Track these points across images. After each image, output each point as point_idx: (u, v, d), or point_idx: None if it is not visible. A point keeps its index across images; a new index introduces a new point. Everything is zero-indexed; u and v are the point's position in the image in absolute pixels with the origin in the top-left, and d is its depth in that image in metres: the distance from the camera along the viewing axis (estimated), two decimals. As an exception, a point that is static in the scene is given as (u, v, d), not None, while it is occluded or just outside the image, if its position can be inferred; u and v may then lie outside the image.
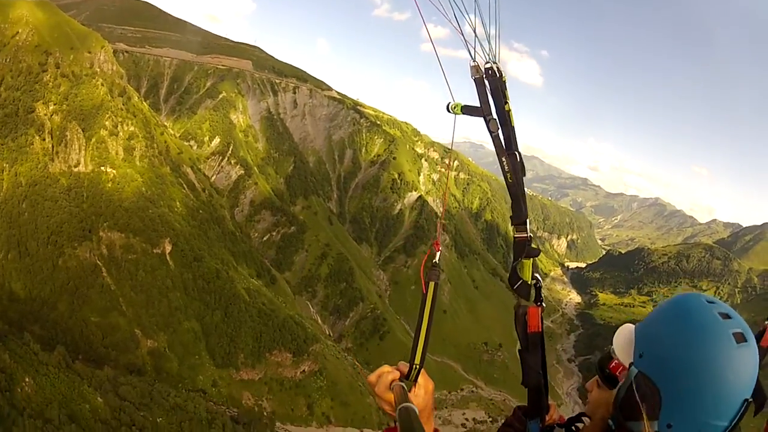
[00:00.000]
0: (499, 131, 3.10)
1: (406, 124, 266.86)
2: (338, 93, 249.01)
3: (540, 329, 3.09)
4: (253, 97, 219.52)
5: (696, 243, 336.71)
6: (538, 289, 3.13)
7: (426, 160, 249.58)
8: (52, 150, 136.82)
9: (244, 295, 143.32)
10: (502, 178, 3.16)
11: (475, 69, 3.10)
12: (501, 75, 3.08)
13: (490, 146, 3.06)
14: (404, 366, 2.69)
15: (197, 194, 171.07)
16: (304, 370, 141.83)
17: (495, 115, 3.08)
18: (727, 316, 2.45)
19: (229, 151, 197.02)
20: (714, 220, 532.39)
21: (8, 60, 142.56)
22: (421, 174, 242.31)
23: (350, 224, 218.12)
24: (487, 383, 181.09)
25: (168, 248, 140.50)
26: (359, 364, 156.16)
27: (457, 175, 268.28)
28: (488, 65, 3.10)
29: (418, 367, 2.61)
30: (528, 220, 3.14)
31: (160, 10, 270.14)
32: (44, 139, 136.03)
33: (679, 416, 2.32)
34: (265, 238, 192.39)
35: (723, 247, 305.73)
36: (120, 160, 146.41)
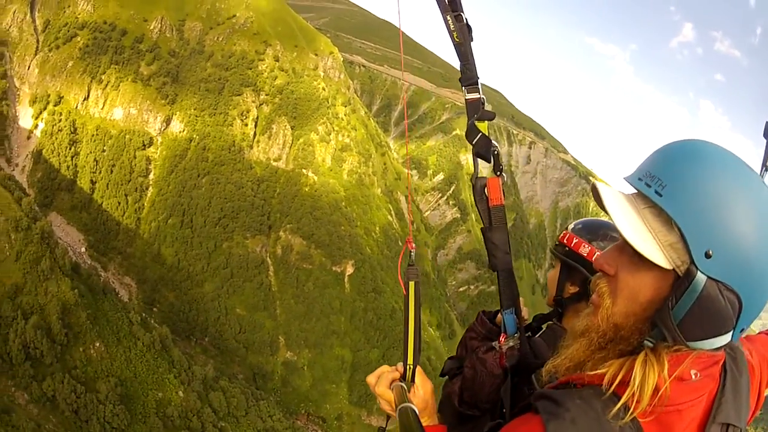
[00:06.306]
0: None
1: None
2: (573, 158, 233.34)
3: (502, 202, 2.83)
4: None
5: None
6: (497, 156, 2.84)
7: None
8: (253, 138, 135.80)
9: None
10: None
11: None
12: None
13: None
14: (403, 367, 2.62)
15: (404, 225, 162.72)
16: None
17: None
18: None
19: (450, 191, 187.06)
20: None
21: (220, 39, 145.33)
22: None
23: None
24: None
25: (349, 270, 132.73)
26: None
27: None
28: None
29: (411, 367, 2.52)
30: (479, 81, 2.90)
31: (403, 32, 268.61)
32: (246, 125, 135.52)
33: (749, 318, 1.75)
34: (461, 289, 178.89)
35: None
36: (325, 168, 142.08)
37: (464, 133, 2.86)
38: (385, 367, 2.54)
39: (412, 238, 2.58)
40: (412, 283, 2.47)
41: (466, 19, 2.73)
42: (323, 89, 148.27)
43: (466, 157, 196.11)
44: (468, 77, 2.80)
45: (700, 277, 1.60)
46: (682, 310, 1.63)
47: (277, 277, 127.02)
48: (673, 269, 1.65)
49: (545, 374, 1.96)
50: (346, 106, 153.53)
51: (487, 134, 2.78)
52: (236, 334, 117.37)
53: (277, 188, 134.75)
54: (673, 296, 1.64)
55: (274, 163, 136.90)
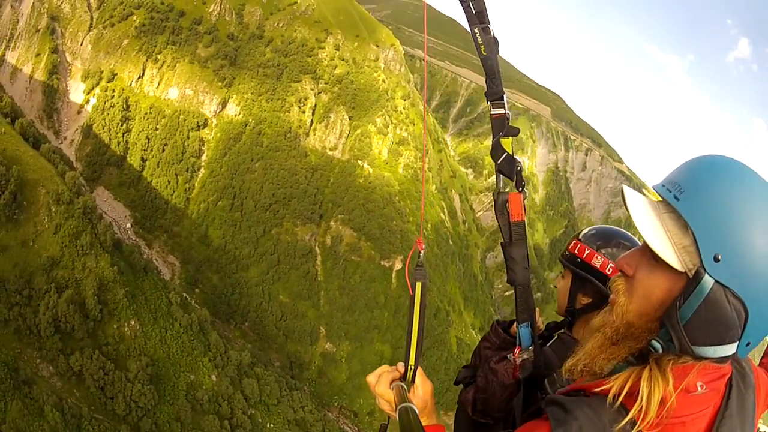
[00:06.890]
0: (471, 2, 2.96)
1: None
2: (627, 168, 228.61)
3: (523, 218, 2.91)
4: (544, 146, 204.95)
5: None
6: (519, 173, 2.94)
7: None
8: (310, 125, 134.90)
9: (452, 345, 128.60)
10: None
11: None
12: None
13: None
14: (403, 366, 2.69)
15: (456, 224, 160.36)
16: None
17: None
18: None
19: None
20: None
21: (280, 25, 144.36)
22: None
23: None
24: None
25: (398, 266, 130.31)
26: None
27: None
28: None
29: (412, 368, 2.61)
30: (505, 96, 2.95)
31: (465, 29, 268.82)
32: (304, 112, 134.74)
33: (757, 332, 1.74)
34: (507, 293, 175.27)
35: None
36: (381, 161, 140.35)
37: (489, 152, 2.95)
38: (385, 367, 2.60)
39: (423, 240, 2.73)
40: (419, 284, 2.59)
41: (493, 32, 2.79)
42: (383, 81, 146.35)
43: (522, 160, 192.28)
44: (494, 92, 2.83)
45: (708, 280, 1.64)
46: (689, 312, 1.66)
47: (324, 267, 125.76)
48: (685, 272, 1.69)
49: (564, 373, 1.97)
50: (405, 100, 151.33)
51: (511, 152, 2.85)
52: (277, 321, 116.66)
53: (331, 177, 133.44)
54: (681, 297, 1.67)
55: (330, 152, 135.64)
